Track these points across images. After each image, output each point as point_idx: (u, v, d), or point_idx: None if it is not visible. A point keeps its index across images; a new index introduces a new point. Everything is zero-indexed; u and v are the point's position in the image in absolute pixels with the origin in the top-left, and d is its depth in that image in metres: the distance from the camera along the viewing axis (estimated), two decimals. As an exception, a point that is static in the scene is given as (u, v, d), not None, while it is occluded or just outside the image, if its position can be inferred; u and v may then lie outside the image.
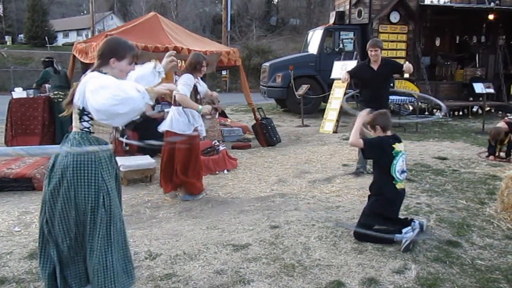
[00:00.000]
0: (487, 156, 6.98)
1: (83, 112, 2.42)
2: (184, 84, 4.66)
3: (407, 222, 3.80)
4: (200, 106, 4.73)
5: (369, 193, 3.96)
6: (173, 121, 4.74)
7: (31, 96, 7.93)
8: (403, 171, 3.76)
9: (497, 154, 6.96)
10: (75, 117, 2.47)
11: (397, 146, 3.74)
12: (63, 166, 2.40)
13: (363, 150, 3.85)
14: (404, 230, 3.61)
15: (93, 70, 2.51)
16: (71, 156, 2.40)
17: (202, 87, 4.95)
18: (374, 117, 3.85)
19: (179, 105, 4.73)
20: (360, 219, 3.84)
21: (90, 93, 2.27)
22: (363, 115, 3.85)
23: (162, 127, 4.84)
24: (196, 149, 4.96)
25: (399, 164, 3.71)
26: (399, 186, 3.76)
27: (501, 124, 6.95)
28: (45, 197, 2.49)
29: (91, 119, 2.42)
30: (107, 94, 2.21)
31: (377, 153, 3.80)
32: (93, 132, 2.46)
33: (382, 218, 3.80)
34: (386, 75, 5.84)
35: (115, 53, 2.52)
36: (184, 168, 4.84)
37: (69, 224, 2.43)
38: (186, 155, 4.82)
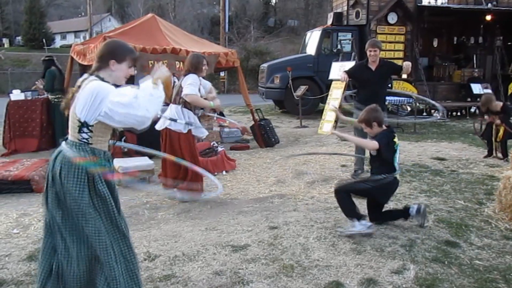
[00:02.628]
0: (485, 157, 7.01)
1: (83, 125, 2.36)
2: (191, 84, 4.67)
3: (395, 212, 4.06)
4: (211, 102, 4.80)
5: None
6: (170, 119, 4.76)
7: (29, 98, 7.92)
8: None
9: (494, 154, 7.00)
10: (73, 126, 2.40)
11: (396, 139, 3.90)
12: (59, 176, 2.36)
13: (378, 150, 3.82)
14: (359, 222, 3.80)
15: (91, 73, 2.45)
16: (65, 168, 2.35)
17: (204, 86, 4.95)
18: (367, 114, 3.88)
19: (179, 104, 4.75)
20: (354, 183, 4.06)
21: (130, 109, 2.30)
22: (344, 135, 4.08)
23: (160, 126, 4.85)
24: (192, 143, 4.98)
25: (398, 156, 3.89)
26: (397, 176, 3.96)
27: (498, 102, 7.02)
28: (47, 205, 2.44)
29: (91, 131, 2.37)
30: (152, 99, 2.35)
31: (391, 149, 3.88)
32: (92, 143, 2.41)
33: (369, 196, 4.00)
34: (384, 76, 5.85)
35: (114, 55, 2.46)
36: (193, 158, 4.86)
37: (68, 234, 2.39)
38: (187, 149, 4.83)
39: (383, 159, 3.86)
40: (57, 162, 2.39)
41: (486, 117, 6.97)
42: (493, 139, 6.94)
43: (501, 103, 6.97)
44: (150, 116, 2.35)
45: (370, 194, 3.95)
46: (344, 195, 3.89)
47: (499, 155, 6.91)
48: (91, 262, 2.43)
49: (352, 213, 3.86)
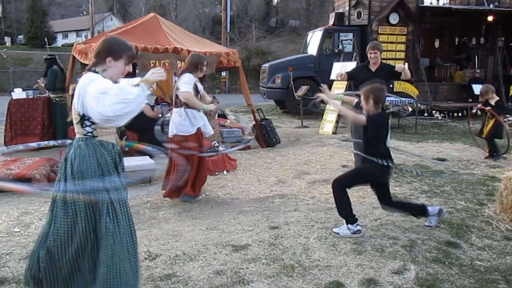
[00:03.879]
0: (486, 157, 7.01)
1: (83, 118, 2.39)
2: (186, 83, 4.65)
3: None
4: (204, 105, 4.74)
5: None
6: (177, 124, 4.74)
7: (31, 96, 7.93)
8: None
9: (494, 154, 7.01)
10: (76, 122, 2.43)
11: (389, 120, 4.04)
12: (70, 175, 2.38)
13: (366, 127, 3.72)
14: (345, 226, 3.81)
15: (88, 69, 2.47)
16: (77, 165, 2.37)
17: (199, 89, 4.93)
18: (371, 88, 3.75)
19: (181, 106, 4.73)
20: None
21: (93, 101, 2.24)
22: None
23: (170, 133, 4.80)
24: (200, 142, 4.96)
25: (389, 138, 3.89)
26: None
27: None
28: (55, 205, 2.45)
29: (93, 123, 2.39)
30: (113, 99, 2.21)
31: (384, 130, 3.82)
32: (97, 136, 2.43)
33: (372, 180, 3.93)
34: (383, 78, 5.82)
35: (111, 52, 2.47)
36: (196, 172, 4.86)
37: (75, 233, 2.40)
38: (200, 159, 4.83)
39: (375, 138, 3.75)
40: (69, 166, 2.41)
41: (479, 105, 7.08)
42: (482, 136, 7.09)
43: (497, 98, 7.19)
44: (106, 115, 2.24)
45: (368, 176, 3.85)
46: (341, 192, 3.84)
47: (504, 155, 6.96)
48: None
49: (344, 212, 3.84)
